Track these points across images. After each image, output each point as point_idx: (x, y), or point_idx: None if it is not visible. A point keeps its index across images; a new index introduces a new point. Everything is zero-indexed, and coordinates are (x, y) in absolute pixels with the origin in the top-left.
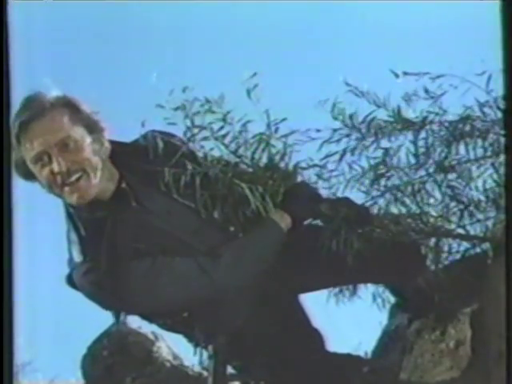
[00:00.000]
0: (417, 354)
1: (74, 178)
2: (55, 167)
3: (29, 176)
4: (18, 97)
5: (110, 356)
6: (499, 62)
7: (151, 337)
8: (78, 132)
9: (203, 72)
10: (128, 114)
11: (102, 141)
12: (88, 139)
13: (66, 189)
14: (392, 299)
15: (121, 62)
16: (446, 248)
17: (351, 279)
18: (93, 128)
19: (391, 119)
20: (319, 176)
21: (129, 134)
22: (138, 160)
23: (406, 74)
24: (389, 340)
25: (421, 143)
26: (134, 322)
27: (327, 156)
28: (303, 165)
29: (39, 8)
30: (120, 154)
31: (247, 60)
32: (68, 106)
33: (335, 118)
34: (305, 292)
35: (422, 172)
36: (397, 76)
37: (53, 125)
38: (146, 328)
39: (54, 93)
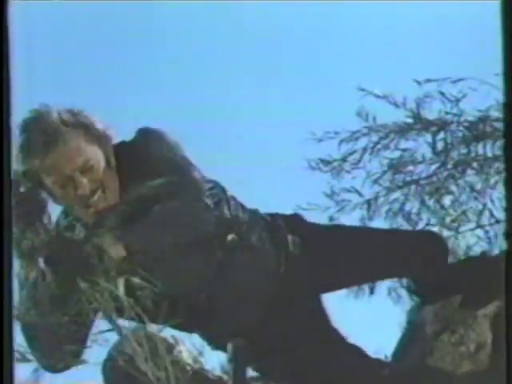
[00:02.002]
0: (437, 357)
1: (96, 197)
2: (80, 191)
3: (35, 187)
4: (18, 97)
5: (130, 360)
6: None
7: (171, 341)
8: (94, 151)
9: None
10: (125, 114)
11: (110, 150)
12: (100, 153)
13: (91, 209)
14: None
15: (121, 61)
16: (464, 247)
17: (373, 276)
18: (104, 141)
19: (410, 120)
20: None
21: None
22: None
23: (428, 81)
24: (408, 342)
25: (440, 142)
26: (154, 326)
27: (348, 154)
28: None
29: (39, 8)
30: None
31: (258, 69)
32: (81, 125)
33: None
34: (326, 291)
35: (442, 170)
36: (419, 83)
37: (72, 150)
38: (166, 332)
39: (61, 112)
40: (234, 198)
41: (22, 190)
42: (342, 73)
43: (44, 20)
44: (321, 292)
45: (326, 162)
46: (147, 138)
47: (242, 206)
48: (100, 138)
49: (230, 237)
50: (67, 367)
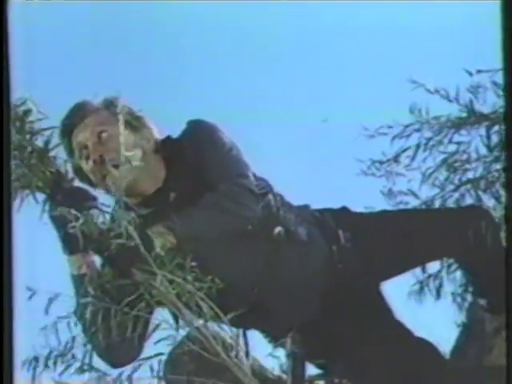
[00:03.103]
0: (497, 354)
1: (109, 165)
2: (91, 155)
3: (92, 183)
4: (18, 96)
5: (191, 361)
6: None
7: (230, 341)
8: (116, 127)
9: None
10: None
11: (147, 136)
12: (127, 133)
13: (106, 179)
14: (469, 298)
15: (121, 62)
16: None
17: (425, 258)
18: (134, 124)
19: (464, 113)
20: (393, 171)
21: None
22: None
23: (479, 71)
24: (467, 340)
25: (494, 136)
26: (213, 326)
27: (402, 151)
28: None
29: (39, 8)
30: (171, 148)
31: (308, 64)
32: (108, 106)
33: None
34: (382, 280)
35: (497, 165)
36: (470, 74)
37: (90, 122)
38: (226, 332)
39: (98, 99)
40: (280, 195)
41: (67, 183)
42: (393, 67)
43: (44, 20)
44: (377, 281)
45: (380, 163)
46: (197, 129)
47: (289, 203)
48: (129, 120)
49: (276, 230)
50: (128, 362)
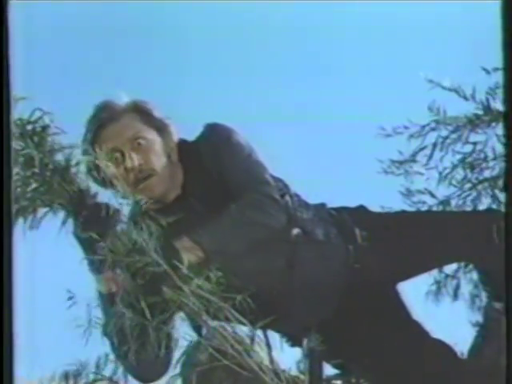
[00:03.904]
0: None
1: (145, 174)
2: (128, 163)
3: (104, 183)
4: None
5: (208, 361)
6: None
7: (247, 341)
8: (149, 133)
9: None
10: None
11: (171, 144)
12: (158, 140)
13: (139, 186)
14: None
15: (122, 62)
16: None
17: (442, 260)
18: (163, 131)
19: (480, 112)
20: (409, 171)
21: None
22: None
23: (496, 69)
24: (484, 340)
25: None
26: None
27: (419, 150)
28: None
29: (39, 8)
30: (188, 152)
31: (326, 64)
32: (139, 110)
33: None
34: (399, 281)
35: None
36: (487, 72)
37: (124, 126)
38: (242, 332)
39: (124, 100)
40: (297, 195)
41: (90, 199)
42: (409, 67)
43: (44, 20)
44: (394, 282)
45: (398, 163)
46: (214, 132)
47: (306, 203)
48: (158, 127)
49: (295, 231)
50: (158, 378)
